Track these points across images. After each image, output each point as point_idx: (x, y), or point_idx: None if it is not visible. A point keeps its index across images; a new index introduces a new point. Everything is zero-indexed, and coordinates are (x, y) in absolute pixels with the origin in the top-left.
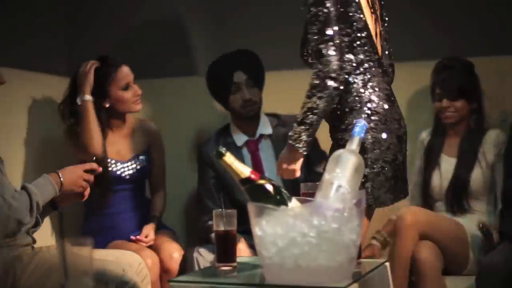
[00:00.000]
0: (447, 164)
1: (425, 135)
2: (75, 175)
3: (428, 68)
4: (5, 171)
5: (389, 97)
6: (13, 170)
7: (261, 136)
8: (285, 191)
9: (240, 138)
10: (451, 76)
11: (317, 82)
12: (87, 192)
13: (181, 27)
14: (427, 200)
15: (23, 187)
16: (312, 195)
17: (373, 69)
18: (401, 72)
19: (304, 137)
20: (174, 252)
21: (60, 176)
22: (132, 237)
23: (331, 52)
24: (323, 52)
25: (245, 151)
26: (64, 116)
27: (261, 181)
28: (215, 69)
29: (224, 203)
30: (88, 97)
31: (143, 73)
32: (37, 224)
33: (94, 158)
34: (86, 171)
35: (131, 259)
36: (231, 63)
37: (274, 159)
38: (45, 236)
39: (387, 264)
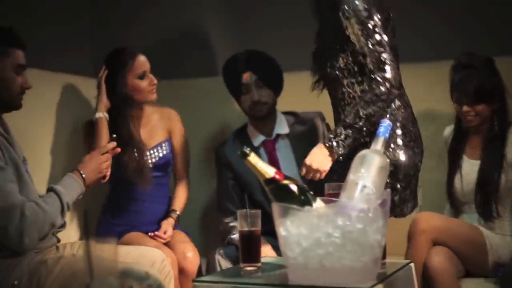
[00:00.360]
0: (469, 167)
1: (447, 133)
2: (95, 164)
3: (444, 67)
4: (30, 172)
5: (414, 115)
6: (39, 171)
7: (278, 135)
8: (309, 192)
9: (256, 138)
10: (469, 78)
11: (383, 90)
12: (108, 173)
13: (201, 28)
14: (452, 202)
15: (51, 189)
16: (337, 195)
17: (401, 86)
18: (418, 73)
19: (349, 141)
20: (188, 252)
21: (82, 172)
22: (150, 234)
23: (392, 62)
24: (386, 61)
25: (262, 151)
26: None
27: (286, 181)
28: (226, 70)
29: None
30: (100, 115)
31: (163, 74)
32: (63, 225)
33: (114, 136)
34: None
35: (153, 256)
36: (241, 64)
37: (292, 158)
38: (67, 231)
39: (412, 265)
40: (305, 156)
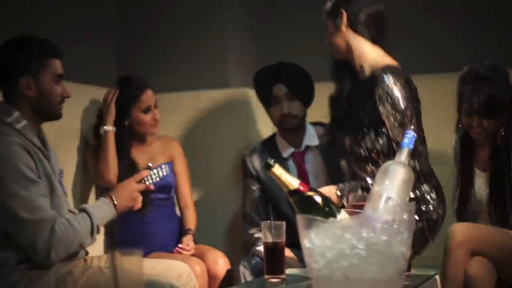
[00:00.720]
0: (480, 180)
1: (454, 142)
2: (127, 191)
3: (448, 78)
4: (64, 185)
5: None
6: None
7: (308, 147)
8: (334, 203)
9: (286, 150)
10: (482, 89)
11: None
12: (140, 200)
13: (223, 39)
14: (461, 214)
15: (83, 210)
16: (361, 207)
17: (427, 172)
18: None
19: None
20: (219, 258)
21: (114, 199)
22: (175, 249)
23: (423, 152)
24: (418, 153)
25: (290, 163)
26: (94, 137)
27: (310, 193)
28: (257, 81)
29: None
30: (109, 128)
31: (184, 85)
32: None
33: (149, 165)
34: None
35: (180, 270)
36: (271, 76)
37: (321, 170)
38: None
39: (437, 277)
40: (335, 168)
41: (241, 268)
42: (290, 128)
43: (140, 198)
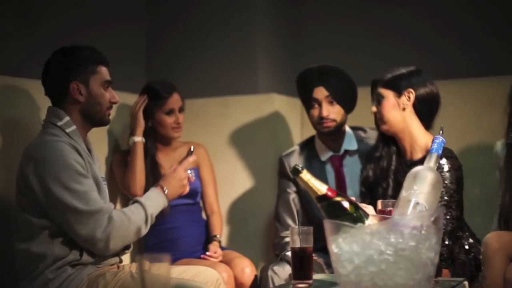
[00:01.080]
0: None
1: (499, 148)
2: (177, 180)
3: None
4: (107, 192)
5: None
6: None
7: (346, 151)
8: (362, 209)
9: (324, 153)
10: None
11: None
12: (188, 186)
13: (252, 45)
14: (507, 225)
15: (136, 201)
16: (389, 212)
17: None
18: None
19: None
20: (246, 267)
21: (165, 189)
22: (203, 256)
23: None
24: (449, 220)
25: (328, 167)
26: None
27: (338, 198)
28: (298, 83)
29: (303, 219)
30: (138, 139)
31: (217, 91)
32: (128, 247)
33: (192, 148)
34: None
35: (208, 276)
36: (313, 78)
37: (359, 175)
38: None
39: (466, 283)
40: None
41: (270, 273)
42: (328, 132)
43: (188, 184)
